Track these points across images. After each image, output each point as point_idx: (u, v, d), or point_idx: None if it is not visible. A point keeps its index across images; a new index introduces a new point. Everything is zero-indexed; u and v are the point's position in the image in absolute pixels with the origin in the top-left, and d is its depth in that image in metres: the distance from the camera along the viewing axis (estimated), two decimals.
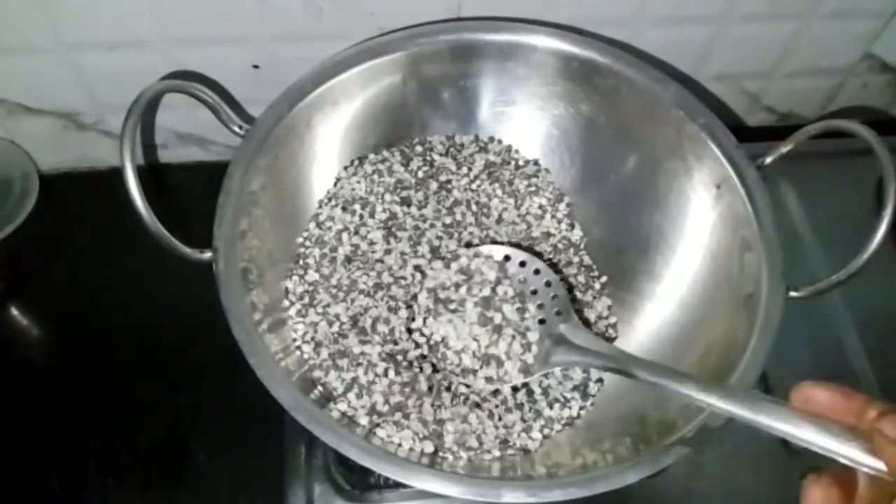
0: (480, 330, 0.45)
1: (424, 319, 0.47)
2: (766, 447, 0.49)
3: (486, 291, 0.46)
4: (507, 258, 0.48)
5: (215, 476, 0.47)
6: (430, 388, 0.45)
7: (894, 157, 0.40)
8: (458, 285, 0.47)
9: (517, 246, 0.50)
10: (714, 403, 0.34)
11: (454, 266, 0.48)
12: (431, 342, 0.46)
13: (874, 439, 0.27)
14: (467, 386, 0.45)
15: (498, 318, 0.45)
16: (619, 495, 0.37)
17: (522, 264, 0.48)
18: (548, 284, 0.47)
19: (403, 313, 0.47)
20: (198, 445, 0.48)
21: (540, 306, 0.47)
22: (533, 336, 0.45)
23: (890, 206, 0.39)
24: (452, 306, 0.46)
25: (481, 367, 0.45)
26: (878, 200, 0.40)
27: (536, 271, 0.48)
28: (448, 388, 0.45)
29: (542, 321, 0.46)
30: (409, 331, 0.47)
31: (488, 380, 0.45)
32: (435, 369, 0.46)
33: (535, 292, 0.47)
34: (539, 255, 0.50)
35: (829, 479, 0.29)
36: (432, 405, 0.44)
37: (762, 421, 0.32)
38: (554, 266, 0.51)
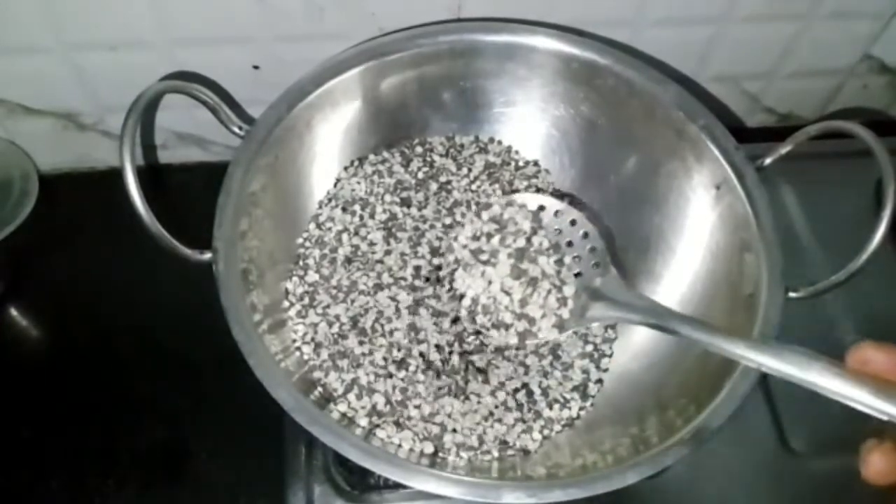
0: (514, 283, 0.43)
1: (453, 272, 0.45)
2: (766, 447, 0.49)
3: (521, 242, 0.44)
4: (541, 208, 0.46)
5: (215, 476, 0.47)
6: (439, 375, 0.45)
7: (893, 158, 0.40)
8: (490, 235, 0.45)
9: (552, 195, 0.47)
10: (764, 363, 0.32)
11: (486, 215, 0.46)
12: (459, 296, 0.44)
13: None
14: (495, 351, 0.45)
15: (533, 271, 0.43)
16: (619, 496, 0.37)
17: (557, 214, 0.46)
18: (585, 236, 0.45)
19: (405, 296, 0.47)
20: (198, 446, 0.48)
21: (576, 259, 0.45)
22: (569, 290, 0.43)
23: (889, 207, 0.39)
24: (484, 257, 0.44)
25: (514, 323, 0.43)
26: (878, 201, 0.41)
27: (573, 222, 0.46)
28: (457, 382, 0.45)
29: (577, 274, 0.44)
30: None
31: (521, 335, 0.43)
32: (438, 373, 0.46)
33: (570, 244, 0.45)
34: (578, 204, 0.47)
35: (891, 444, 0.28)
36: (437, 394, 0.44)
37: (814, 381, 0.30)
38: None
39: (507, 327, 0.44)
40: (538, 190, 0.53)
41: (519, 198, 0.46)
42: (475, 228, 0.46)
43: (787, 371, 0.31)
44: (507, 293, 0.44)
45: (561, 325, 0.43)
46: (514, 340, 0.44)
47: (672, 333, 0.37)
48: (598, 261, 0.45)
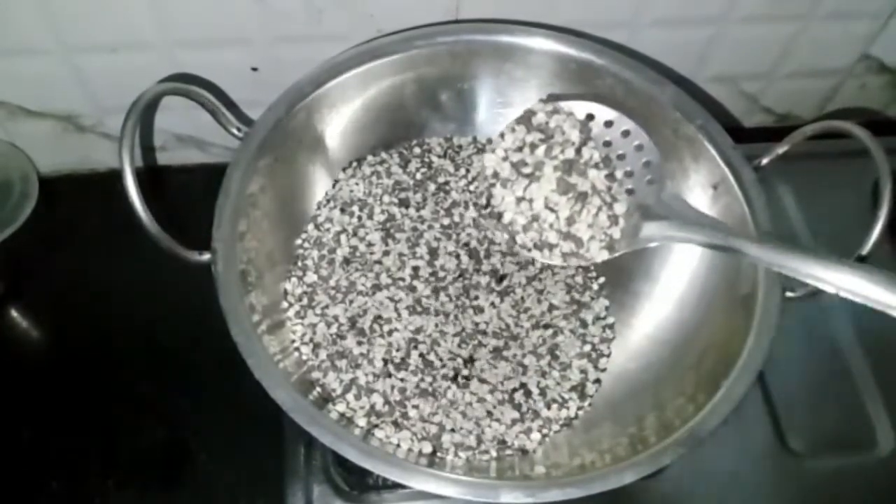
0: (560, 198, 0.40)
1: (491, 187, 0.41)
2: (765, 446, 0.49)
3: (569, 153, 0.40)
4: (590, 117, 0.42)
5: (215, 477, 0.47)
6: (456, 377, 0.45)
7: (890, 157, 0.40)
8: (533, 146, 0.41)
9: (602, 102, 0.43)
10: (844, 285, 0.30)
11: (531, 122, 0.41)
12: (497, 214, 0.41)
13: None
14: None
15: (582, 185, 0.40)
16: (617, 495, 0.37)
17: (609, 124, 0.42)
18: (639, 148, 0.41)
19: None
20: (197, 446, 0.48)
21: (628, 174, 0.41)
22: (620, 208, 0.40)
23: (885, 206, 0.39)
24: (527, 170, 0.41)
25: (559, 242, 0.40)
26: (875, 201, 0.41)
27: (625, 133, 0.42)
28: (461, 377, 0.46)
29: (630, 191, 0.41)
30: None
31: (567, 256, 0.40)
32: (437, 373, 0.46)
33: (622, 157, 0.42)
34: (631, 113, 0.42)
35: None
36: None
37: None
38: (550, 267, 0.51)
39: (552, 248, 0.41)
40: None
41: (565, 104, 0.42)
42: (517, 138, 0.41)
43: (871, 294, 0.29)
44: (553, 210, 0.40)
45: (611, 247, 0.40)
46: (558, 261, 0.41)
47: (738, 255, 0.35)
48: (652, 176, 0.41)
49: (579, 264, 0.41)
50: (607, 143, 0.42)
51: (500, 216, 0.42)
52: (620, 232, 0.40)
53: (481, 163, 0.42)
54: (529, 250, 0.42)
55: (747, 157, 0.45)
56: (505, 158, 0.42)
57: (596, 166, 0.41)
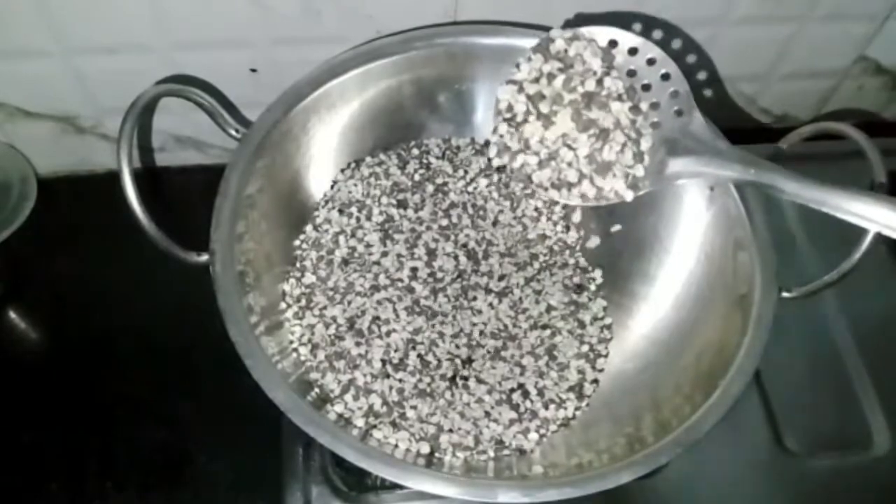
0: (580, 135, 0.38)
1: (508, 121, 0.38)
2: (761, 446, 0.49)
3: (591, 85, 0.38)
4: (612, 43, 0.39)
5: (213, 478, 0.47)
6: (454, 377, 0.45)
7: (885, 158, 0.40)
8: (551, 76, 0.38)
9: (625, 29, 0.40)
10: (879, 218, 0.29)
11: (549, 51, 0.38)
12: (510, 154, 0.38)
13: None
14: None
15: (604, 120, 0.37)
16: (615, 495, 0.37)
17: (633, 52, 0.39)
18: (665, 77, 0.39)
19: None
20: (196, 447, 0.48)
21: (654, 105, 0.38)
22: (646, 143, 0.38)
23: None
24: (544, 104, 0.38)
25: (579, 182, 0.38)
26: None
27: (651, 61, 0.39)
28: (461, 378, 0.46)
29: (655, 124, 0.38)
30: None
31: (585, 197, 0.38)
32: (435, 374, 0.46)
33: (647, 87, 0.39)
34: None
35: None
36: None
37: None
38: (549, 268, 0.51)
39: (571, 187, 0.38)
40: (533, 191, 0.53)
41: (586, 30, 0.39)
42: (533, 68, 0.38)
43: None
44: (572, 147, 0.38)
45: (635, 185, 0.38)
46: (577, 201, 0.38)
47: (771, 191, 0.33)
48: (680, 107, 0.38)
49: (600, 204, 0.38)
50: (631, 73, 0.39)
51: (513, 156, 0.39)
52: (645, 169, 0.38)
53: (495, 97, 0.39)
54: (546, 190, 0.39)
55: None
56: (520, 90, 0.39)
57: (619, 98, 0.38)
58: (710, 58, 0.56)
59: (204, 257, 0.41)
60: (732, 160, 0.35)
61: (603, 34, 0.39)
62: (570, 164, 0.38)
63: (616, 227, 0.51)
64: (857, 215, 0.30)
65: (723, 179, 0.35)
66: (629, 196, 0.38)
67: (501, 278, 0.50)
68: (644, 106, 0.39)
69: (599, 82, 0.38)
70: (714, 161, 0.36)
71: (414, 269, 0.49)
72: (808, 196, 0.32)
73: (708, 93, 0.60)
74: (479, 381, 0.46)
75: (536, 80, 0.39)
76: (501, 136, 0.39)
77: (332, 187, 0.51)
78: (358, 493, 0.46)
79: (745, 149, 0.45)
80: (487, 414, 0.45)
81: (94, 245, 0.55)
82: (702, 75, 0.58)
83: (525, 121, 0.38)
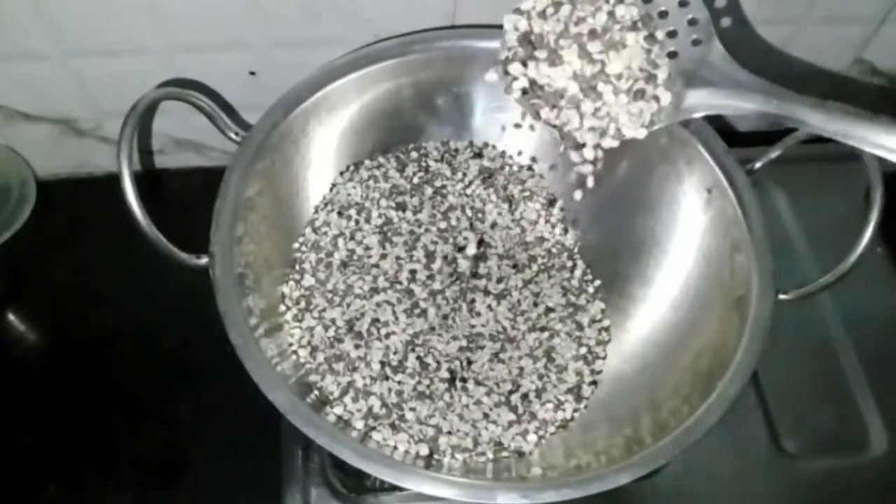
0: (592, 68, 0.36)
1: (509, 58, 0.36)
2: (759, 447, 0.49)
3: (601, 17, 0.36)
4: None
5: (213, 480, 0.47)
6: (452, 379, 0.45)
7: (881, 161, 0.40)
8: (558, 4, 0.36)
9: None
10: None
11: None
12: (519, 90, 0.36)
13: None
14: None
15: (615, 63, 0.35)
16: (614, 496, 0.37)
17: None
18: (683, 4, 0.36)
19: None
20: (195, 449, 0.48)
21: (671, 34, 0.36)
22: (662, 74, 0.36)
23: (876, 209, 0.40)
24: (552, 38, 0.36)
25: (589, 118, 0.36)
26: (867, 204, 0.41)
27: None
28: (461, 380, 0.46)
29: (672, 54, 0.36)
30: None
31: (597, 132, 0.37)
32: (434, 376, 0.46)
33: (664, 14, 0.37)
34: None
35: None
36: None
37: None
38: (547, 270, 0.51)
39: (580, 124, 0.36)
40: (531, 194, 0.53)
41: None
42: None
43: None
44: (583, 84, 0.36)
45: (650, 121, 0.36)
46: (589, 139, 0.37)
47: (795, 124, 0.31)
48: (699, 36, 0.36)
49: (612, 144, 0.36)
50: (647, 0, 0.36)
51: (523, 93, 0.37)
52: (660, 104, 0.36)
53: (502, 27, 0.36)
54: (555, 128, 0.38)
55: (741, 161, 0.46)
56: (528, 19, 0.37)
57: (634, 27, 0.36)
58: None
59: (203, 260, 0.41)
60: (754, 91, 0.33)
61: None
62: (580, 101, 0.36)
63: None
64: (886, 148, 0.29)
65: (743, 112, 0.32)
66: (642, 133, 0.36)
67: (500, 280, 0.50)
68: (660, 34, 0.36)
69: (611, 12, 0.36)
70: (734, 93, 0.34)
71: (413, 272, 0.49)
72: (835, 128, 0.30)
73: None
74: (478, 383, 0.46)
75: (542, 14, 0.36)
76: (509, 69, 0.37)
77: (331, 190, 0.51)
78: (357, 495, 0.46)
79: (740, 152, 0.46)
80: (486, 416, 0.45)
81: (94, 247, 0.55)
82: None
83: (533, 54, 0.36)
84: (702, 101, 0.36)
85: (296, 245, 0.49)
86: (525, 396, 0.46)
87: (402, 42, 0.49)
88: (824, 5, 0.54)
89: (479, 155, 0.54)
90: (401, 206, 0.51)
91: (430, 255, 0.50)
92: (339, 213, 0.50)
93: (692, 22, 0.37)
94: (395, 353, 0.46)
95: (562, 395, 0.47)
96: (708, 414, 0.39)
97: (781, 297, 0.42)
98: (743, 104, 0.33)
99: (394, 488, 0.45)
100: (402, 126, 0.52)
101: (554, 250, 0.52)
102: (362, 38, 0.50)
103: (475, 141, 0.54)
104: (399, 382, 0.45)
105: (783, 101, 0.32)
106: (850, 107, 0.30)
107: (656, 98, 0.35)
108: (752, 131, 0.65)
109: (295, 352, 0.46)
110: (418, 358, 0.46)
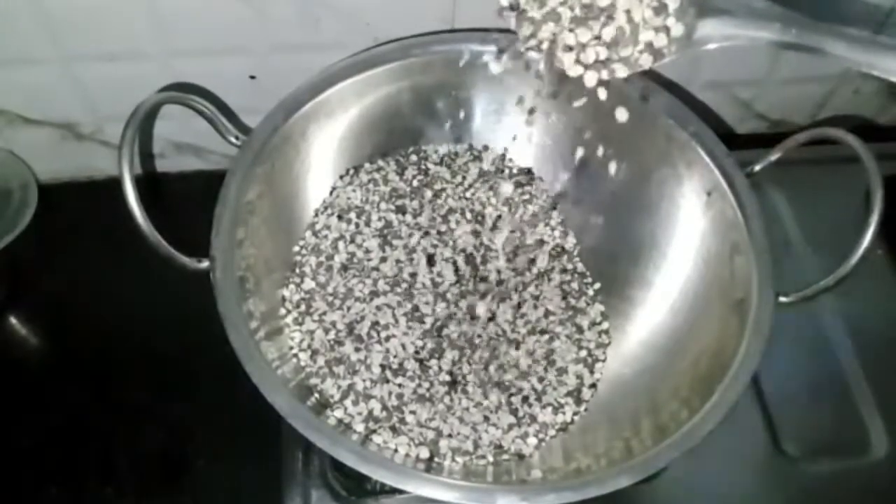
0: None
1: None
2: (759, 450, 0.49)
3: None
4: None
5: (213, 483, 0.47)
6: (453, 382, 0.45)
7: (881, 163, 0.40)
8: None
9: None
10: None
11: None
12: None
13: None
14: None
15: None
16: (613, 499, 0.37)
17: None
18: None
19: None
20: (196, 452, 0.48)
21: None
22: (673, 2, 0.33)
23: (876, 212, 0.40)
24: None
25: (595, 51, 0.34)
26: (867, 206, 0.41)
27: None
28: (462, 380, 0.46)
29: None
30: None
31: (603, 66, 0.34)
32: (434, 379, 0.46)
33: None
34: None
35: None
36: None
37: None
38: (546, 273, 0.51)
39: (586, 56, 0.35)
40: (531, 197, 0.53)
41: None
42: None
43: None
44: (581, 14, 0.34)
45: (658, 52, 0.35)
46: (591, 80, 0.35)
47: (815, 53, 0.29)
48: None
49: (619, 76, 0.35)
50: None
51: (511, 7, 0.35)
52: (669, 34, 0.34)
53: None
54: (560, 62, 0.36)
55: (740, 164, 0.46)
56: None
57: None
58: (707, 63, 0.57)
59: (204, 263, 0.41)
60: (771, 19, 0.30)
61: None
62: (578, 40, 0.34)
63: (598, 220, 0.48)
64: None
65: (760, 42, 0.30)
66: (648, 63, 0.34)
67: (500, 283, 0.50)
68: None
69: None
70: (750, 21, 0.32)
71: (413, 275, 0.49)
72: (857, 58, 0.29)
73: (704, 98, 0.60)
74: (478, 385, 0.46)
75: None
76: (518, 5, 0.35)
77: (331, 193, 0.51)
78: (357, 498, 0.46)
79: (739, 155, 0.46)
80: (486, 419, 0.45)
81: (95, 251, 0.55)
82: (698, 80, 0.58)
83: None
84: (715, 31, 0.33)
85: (296, 248, 0.50)
86: (525, 399, 0.46)
87: (401, 46, 0.49)
88: None
89: (478, 158, 0.54)
90: (401, 210, 0.51)
91: (430, 259, 0.50)
92: (340, 217, 0.50)
93: None
94: (395, 357, 0.46)
95: (562, 397, 0.47)
96: (708, 417, 0.39)
97: (781, 299, 0.42)
98: (759, 33, 0.31)
99: (394, 491, 0.45)
100: (402, 129, 0.53)
101: (553, 253, 0.52)
102: (361, 42, 0.50)
103: (475, 144, 0.54)
104: (399, 385, 0.45)
105: (802, 30, 0.30)
106: (877, 35, 0.29)
107: (666, 29, 0.33)
108: (753, 133, 0.65)
109: (295, 355, 0.46)
110: (419, 361, 0.46)
